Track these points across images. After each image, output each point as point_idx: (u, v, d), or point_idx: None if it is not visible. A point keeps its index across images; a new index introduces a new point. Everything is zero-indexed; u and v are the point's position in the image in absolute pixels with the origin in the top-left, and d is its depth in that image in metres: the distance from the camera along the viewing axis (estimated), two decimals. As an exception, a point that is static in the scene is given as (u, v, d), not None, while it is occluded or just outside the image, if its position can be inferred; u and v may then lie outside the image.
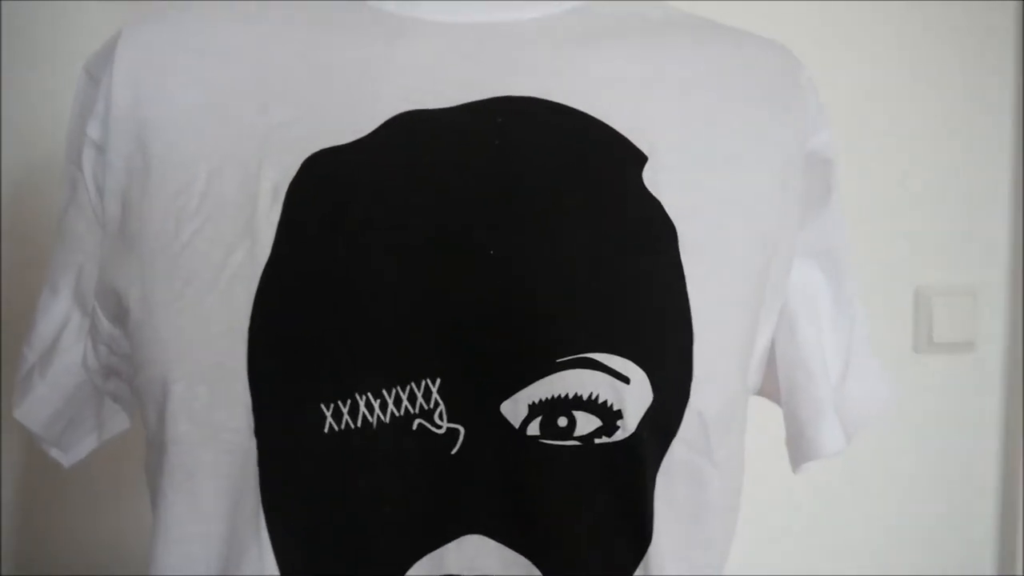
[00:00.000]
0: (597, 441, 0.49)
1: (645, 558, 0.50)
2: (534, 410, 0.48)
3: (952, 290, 1.20)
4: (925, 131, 1.19)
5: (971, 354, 1.21)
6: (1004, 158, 1.21)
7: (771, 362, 0.62)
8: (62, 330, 0.59)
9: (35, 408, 0.60)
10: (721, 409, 0.52)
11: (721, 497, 0.54)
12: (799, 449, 0.62)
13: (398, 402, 0.48)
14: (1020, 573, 1.19)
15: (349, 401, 0.48)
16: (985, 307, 1.21)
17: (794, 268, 0.59)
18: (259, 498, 0.49)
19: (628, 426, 0.49)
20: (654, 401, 0.49)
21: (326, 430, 0.48)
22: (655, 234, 0.52)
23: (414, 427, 0.48)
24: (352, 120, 0.52)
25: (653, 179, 0.52)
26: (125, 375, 0.60)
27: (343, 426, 0.48)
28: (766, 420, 0.64)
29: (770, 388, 0.63)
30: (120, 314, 0.54)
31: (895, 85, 1.17)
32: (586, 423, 0.48)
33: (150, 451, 0.54)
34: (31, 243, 0.87)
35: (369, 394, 0.48)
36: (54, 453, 0.64)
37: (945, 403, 1.21)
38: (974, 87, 1.19)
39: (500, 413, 0.48)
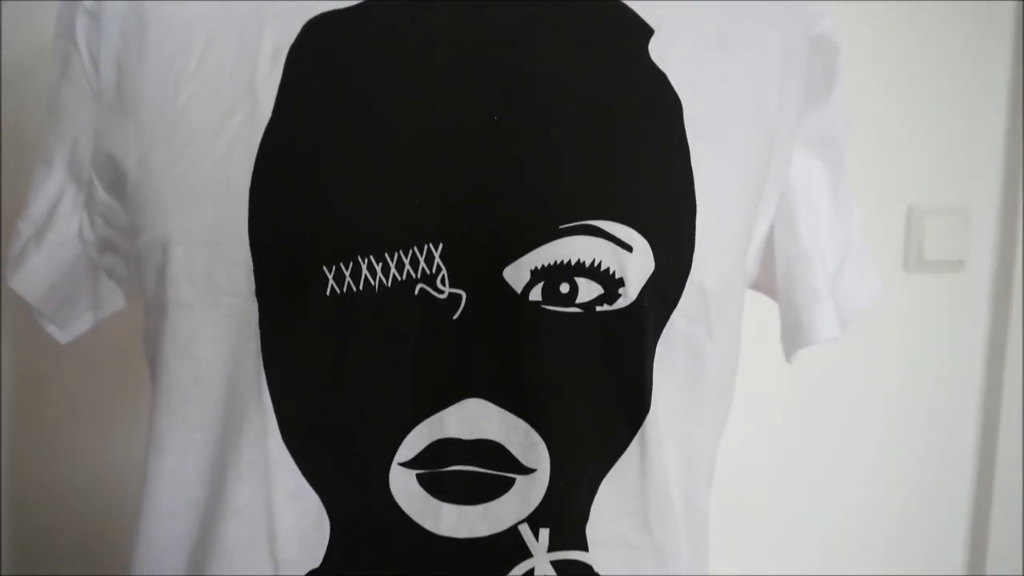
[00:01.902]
0: (598, 309, 0.49)
1: (642, 427, 0.51)
2: (536, 276, 0.48)
3: (944, 209, 1.20)
4: (921, 50, 1.18)
5: (961, 273, 1.22)
6: (1000, 77, 1.21)
7: (768, 254, 0.62)
8: (57, 203, 0.58)
9: (31, 279, 0.59)
10: (720, 283, 0.52)
11: (718, 373, 0.54)
12: (794, 337, 0.63)
13: (400, 266, 0.48)
14: (996, 485, 1.22)
15: (351, 264, 0.48)
16: (977, 226, 1.22)
17: (796, 157, 0.59)
18: (260, 361, 0.49)
19: (629, 294, 0.49)
20: (655, 270, 0.49)
21: (328, 292, 0.48)
22: (660, 106, 0.51)
23: (416, 292, 0.48)
24: None
25: (659, 52, 0.52)
26: (121, 250, 0.60)
27: (345, 289, 0.48)
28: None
29: (767, 281, 0.63)
30: (117, 181, 0.54)
31: (893, 5, 1.16)
32: (588, 290, 0.49)
33: (149, 318, 0.54)
34: (28, 127, 0.86)
35: (371, 257, 0.48)
36: (50, 329, 0.64)
37: (934, 322, 1.22)
38: (973, 8, 1.18)
39: (502, 278, 0.48)
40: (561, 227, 0.48)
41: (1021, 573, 1.23)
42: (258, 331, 0.49)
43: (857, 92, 1.08)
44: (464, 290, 0.48)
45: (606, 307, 0.49)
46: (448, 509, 0.50)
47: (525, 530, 0.50)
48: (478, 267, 0.48)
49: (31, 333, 0.92)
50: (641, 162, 0.50)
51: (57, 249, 0.59)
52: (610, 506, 0.52)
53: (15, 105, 0.89)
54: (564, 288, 0.48)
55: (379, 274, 0.48)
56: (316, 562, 0.51)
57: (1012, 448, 1.22)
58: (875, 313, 1.14)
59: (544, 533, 0.50)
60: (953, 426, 1.25)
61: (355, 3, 0.51)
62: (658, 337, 0.51)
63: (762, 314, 0.64)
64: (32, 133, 0.72)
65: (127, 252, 0.59)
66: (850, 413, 1.20)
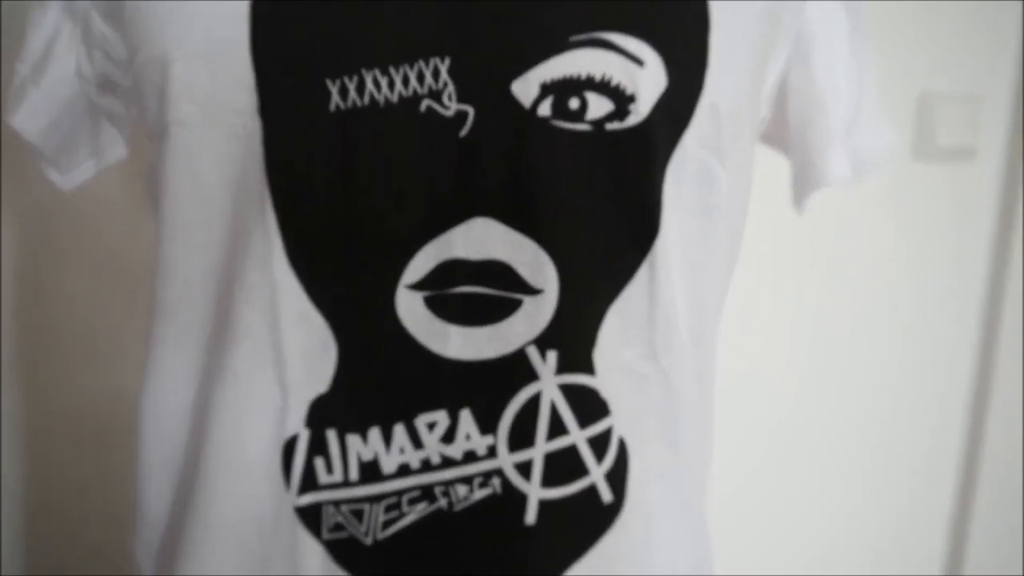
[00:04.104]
0: (608, 127, 0.48)
1: (652, 250, 0.51)
2: (545, 90, 0.47)
3: (956, 96, 1.18)
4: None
5: (971, 162, 1.21)
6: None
7: (781, 99, 0.60)
8: (54, 40, 0.57)
9: (30, 116, 0.58)
10: (734, 107, 0.51)
11: (728, 204, 0.53)
12: (805, 179, 0.62)
13: (406, 81, 0.47)
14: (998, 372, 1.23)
15: (356, 78, 0.47)
16: (989, 113, 1.20)
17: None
18: (264, 180, 0.49)
19: (640, 111, 0.48)
20: (668, 87, 0.48)
21: (332, 108, 0.47)
22: None
23: (422, 108, 0.47)
24: None
25: None
26: (120, 89, 0.59)
27: (349, 104, 0.47)
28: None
29: (779, 131, 0.62)
30: (115, 8, 0.53)
31: None
32: (598, 106, 0.48)
33: (151, 145, 0.53)
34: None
35: (377, 71, 0.47)
36: (52, 175, 0.63)
37: (942, 211, 1.21)
38: None
39: (510, 93, 0.47)
40: (571, 39, 0.47)
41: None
42: (262, 150, 0.48)
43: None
44: (471, 105, 0.47)
45: (616, 124, 0.48)
46: (455, 331, 0.50)
47: (532, 352, 0.50)
48: (485, 81, 0.47)
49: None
50: None
51: (55, 86, 0.58)
52: (617, 333, 0.51)
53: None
54: (574, 103, 0.47)
55: (384, 89, 0.47)
56: (324, 386, 0.51)
57: (1013, 360, 1.22)
58: (883, 202, 1.14)
59: (551, 355, 0.50)
60: (953, 316, 1.24)
61: None
62: (669, 158, 0.50)
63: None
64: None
65: (126, 90, 0.58)
66: (849, 300, 1.19)
